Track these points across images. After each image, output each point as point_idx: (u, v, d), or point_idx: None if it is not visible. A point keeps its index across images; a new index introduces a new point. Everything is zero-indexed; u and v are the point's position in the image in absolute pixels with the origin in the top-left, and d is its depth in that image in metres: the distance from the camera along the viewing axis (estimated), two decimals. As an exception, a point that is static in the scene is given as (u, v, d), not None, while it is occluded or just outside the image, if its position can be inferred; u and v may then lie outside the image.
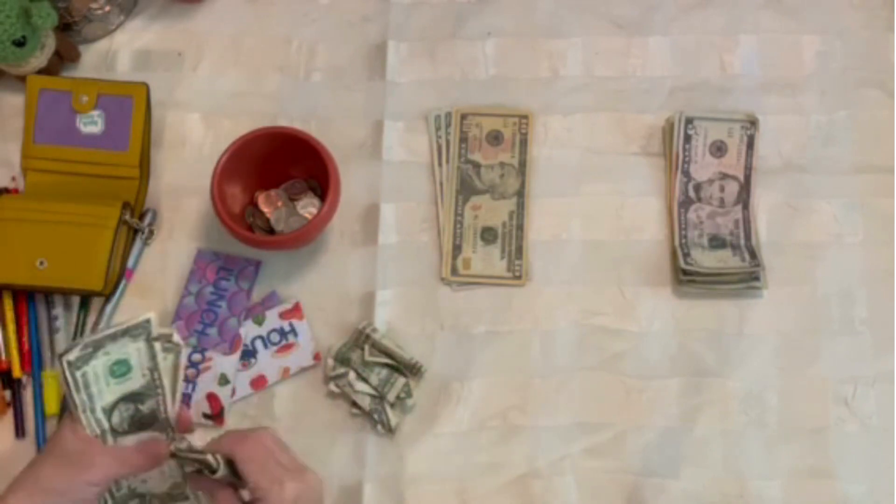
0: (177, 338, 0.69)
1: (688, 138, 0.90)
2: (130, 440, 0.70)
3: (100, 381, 0.67)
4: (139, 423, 0.70)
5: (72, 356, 0.65)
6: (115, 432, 0.69)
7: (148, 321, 0.67)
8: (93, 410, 0.67)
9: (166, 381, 0.69)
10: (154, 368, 0.69)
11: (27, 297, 0.87)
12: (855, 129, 0.92)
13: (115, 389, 0.68)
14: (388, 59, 0.95)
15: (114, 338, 0.67)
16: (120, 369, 0.68)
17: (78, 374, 0.66)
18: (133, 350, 0.68)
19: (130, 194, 0.89)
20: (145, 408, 0.70)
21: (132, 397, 0.69)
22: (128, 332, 0.67)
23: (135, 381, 0.69)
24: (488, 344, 0.86)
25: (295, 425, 0.84)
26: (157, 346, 0.68)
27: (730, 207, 0.89)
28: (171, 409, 0.71)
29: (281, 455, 0.68)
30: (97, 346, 0.66)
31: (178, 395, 0.71)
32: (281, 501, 0.64)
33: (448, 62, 0.95)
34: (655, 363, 0.85)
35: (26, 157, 0.90)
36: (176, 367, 0.70)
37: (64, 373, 0.65)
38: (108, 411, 0.68)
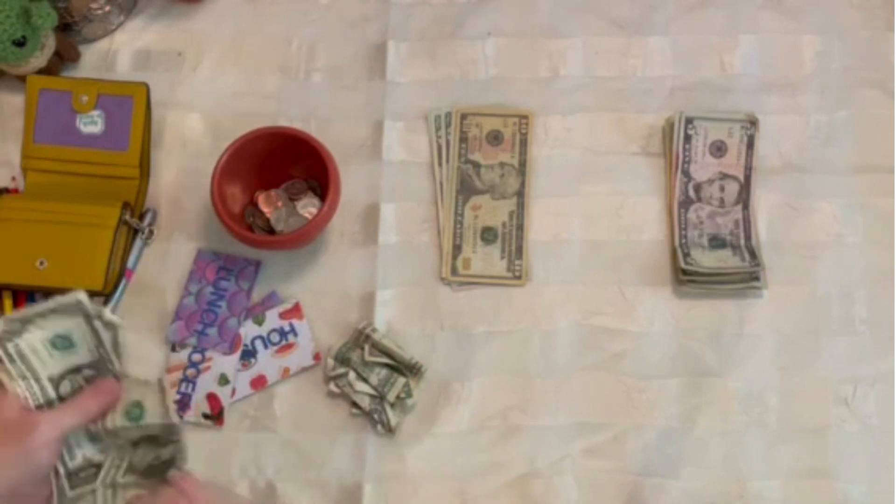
0: (109, 316, 0.70)
1: (688, 138, 0.90)
2: None
3: (40, 353, 0.69)
4: None
5: None
6: (63, 400, 0.70)
7: (79, 301, 0.69)
8: (37, 380, 0.69)
9: (114, 358, 0.70)
10: (100, 345, 0.70)
11: (27, 297, 0.87)
12: (855, 129, 0.92)
13: (61, 361, 0.70)
14: (388, 59, 0.95)
15: (43, 315, 0.68)
16: (62, 343, 0.70)
17: (10, 346, 0.67)
18: (73, 325, 0.69)
19: (130, 194, 0.89)
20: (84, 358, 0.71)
21: (82, 369, 0.71)
22: (56, 311, 0.68)
23: (81, 356, 0.70)
24: (488, 344, 0.86)
25: (295, 425, 0.84)
26: (98, 324, 0.69)
27: (730, 207, 0.89)
28: (117, 373, 0.72)
29: None
30: (24, 321, 0.68)
31: (122, 367, 0.71)
32: None
33: (448, 62, 0.95)
34: (655, 363, 0.85)
35: (26, 157, 0.90)
36: (115, 345, 0.71)
37: None
38: (56, 381, 0.70)
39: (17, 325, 0.68)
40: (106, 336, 0.70)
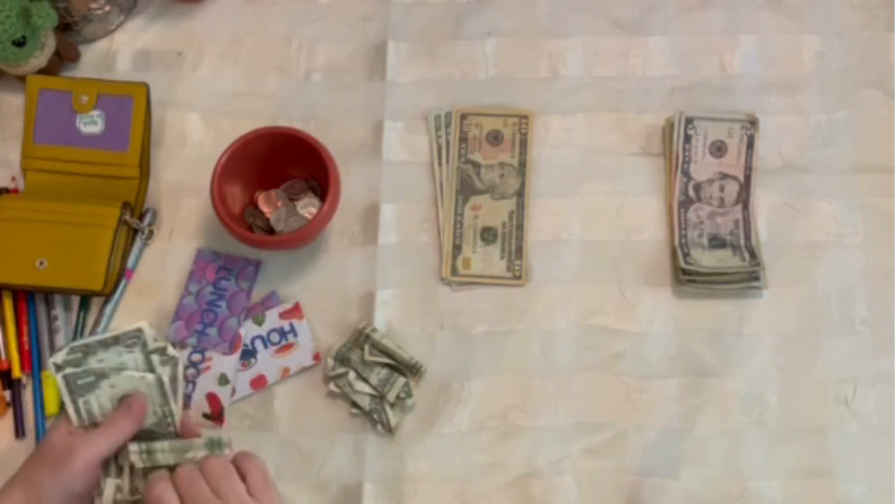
0: (172, 350, 0.68)
1: (688, 138, 0.90)
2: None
3: (92, 382, 0.67)
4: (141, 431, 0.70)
5: (58, 359, 0.66)
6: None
7: (139, 330, 0.67)
8: (89, 412, 0.68)
9: (169, 392, 0.69)
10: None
11: (27, 297, 0.87)
12: (855, 129, 0.92)
13: (114, 394, 0.68)
14: (388, 59, 0.95)
15: (104, 344, 0.67)
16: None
17: (69, 373, 0.66)
18: (130, 360, 0.68)
19: (130, 194, 0.89)
20: (147, 421, 0.70)
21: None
22: (119, 341, 0.67)
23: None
24: (488, 344, 0.86)
25: (295, 425, 0.84)
26: (155, 358, 0.68)
27: (730, 207, 0.89)
28: (176, 420, 0.70)
29: None
30: (86, 352, 0.66)
31: (180, 406, 0.70)
32: None
33: (448, 62, 0.95)
34: (655, 363, 0.85)
35: (26, 157, 0.90)
36: (175, 379, 0.69)
37: (54, 374, 0.66)
38: (106, 411, 0.69)
39: (79, 356, 0.67)
40: (163, 371, 0.69)
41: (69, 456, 0.66)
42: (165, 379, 0.68)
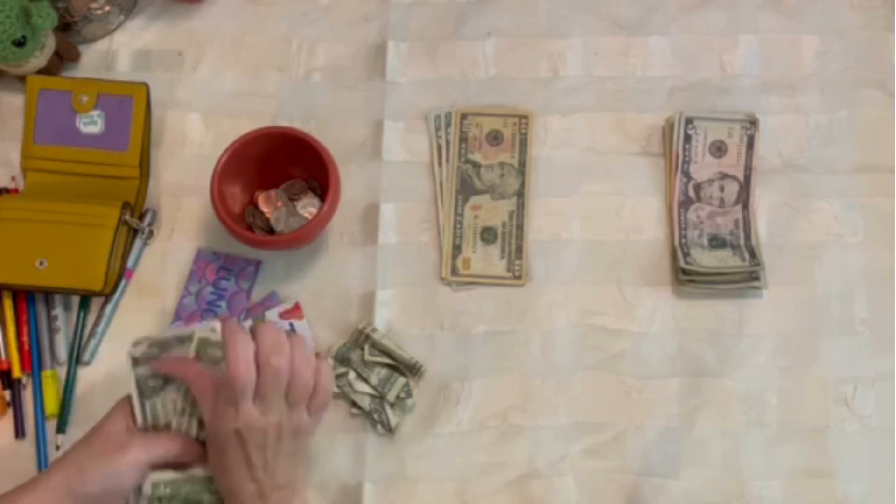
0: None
1: (688, 138, 0.90)
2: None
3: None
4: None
5: (137, 353, 0.68)
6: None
7: (213, 329, 0.69)
8: (154, 415, 0.69)
9: None
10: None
11: (27, 297, 0.87)
12: (855, 129, 0.92)
13: (176, 400, 0.69)
14: (388, 59, 0.95)
15: (181, 340, 0.67)
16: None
17: (142, 374, 0.67)
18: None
19: (130, 194, 0.89)
20: None
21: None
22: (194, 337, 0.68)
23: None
24: (488, 344, 0.86)
25: (295, 425, 0.84)
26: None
27: (730, 207, 0.89)
28: None
29: None
30: (163, 347, 0.67)
31: None
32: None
33: (448, 62, 0.95)
34: (655, 363, 0.85)
35: (26, 157, 0.90)
36: None
37: (129, 368, 0.67)
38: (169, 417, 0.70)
39: (156, 351, 0.68)
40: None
41: (124, 451, 0.68)
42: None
